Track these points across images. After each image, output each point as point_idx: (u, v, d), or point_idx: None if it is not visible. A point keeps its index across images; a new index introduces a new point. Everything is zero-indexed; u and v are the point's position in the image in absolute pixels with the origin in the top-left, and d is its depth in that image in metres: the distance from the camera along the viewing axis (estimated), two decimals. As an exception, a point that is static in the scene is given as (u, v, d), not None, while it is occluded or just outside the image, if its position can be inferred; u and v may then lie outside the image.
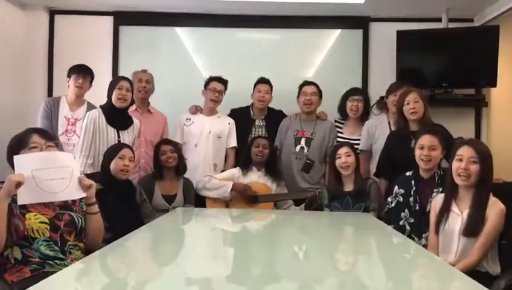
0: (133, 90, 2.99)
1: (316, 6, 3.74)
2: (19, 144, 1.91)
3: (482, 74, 3.62)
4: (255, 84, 3.47)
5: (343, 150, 2.81)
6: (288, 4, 3.70)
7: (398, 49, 3.75)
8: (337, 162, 2.80)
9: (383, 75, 3.54)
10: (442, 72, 3.74)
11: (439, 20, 3.79)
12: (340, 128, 3.43)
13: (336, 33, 4.06)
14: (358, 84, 3.91)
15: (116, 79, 3.01)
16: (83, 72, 3.22)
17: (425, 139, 2.43)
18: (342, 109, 3.43)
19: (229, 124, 3.40)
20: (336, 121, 3.51)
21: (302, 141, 3.31)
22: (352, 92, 3.39)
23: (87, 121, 2.88)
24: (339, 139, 3.33)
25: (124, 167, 2.49)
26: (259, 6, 3.79)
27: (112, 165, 2.49)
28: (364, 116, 3.39)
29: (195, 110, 3.44)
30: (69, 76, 3.24)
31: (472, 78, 3.70)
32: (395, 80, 3.59)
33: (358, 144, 3.19)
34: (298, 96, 3.38)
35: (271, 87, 3.45)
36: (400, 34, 3.75)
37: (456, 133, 2.95)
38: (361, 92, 3.44)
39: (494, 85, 3.55)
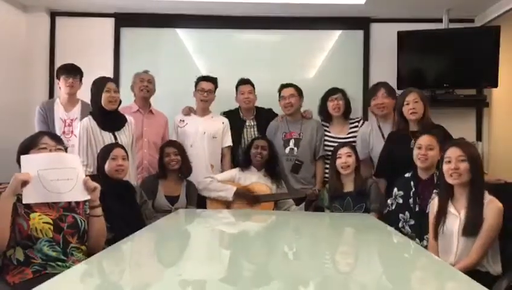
0: (119, 89, 2.93)
1: (316, 7, 3.74)
2: (29, 145, 1.93)
3: (483, 74, 3.62)
4: (237, 86, 3.47)
5: (343, 150, 2.83)
6: (288, 5, 3.71)
7: (399, 49, 3.76)
8: (338, 162, 2.82)
9: (384, 76, 3.53)
10: (443, 73, 3.74)
11: (440, 20, 3.80)
12: (327, 126, 3.39)
13: (336, 34, 4.06)
14: (359, 85, 3.92)
15: (101, 81, 2.85)
16: (72, 73, 3.19)
17: (424, 139, 2.46)
18: (323, 110, 3.36)
19: (223, 123, 3.40)
20: (322, 119, 3.46)
21: (291, 143, 3.31)
22: (331, 92, 3.33)
23: (80, 131, 2.82)
24: (326, 138, 3.32)
25: (118, 167, 2.47)
26: (260, 8, 3.80)
27: (106, 167, 2.47)
28: (347, 114, 3.34)
29: (188, 111, 3.44)
30: (57, 77, 3.22)
31: (473, 79, 3.69)
32: (395, 81, 3.60)
33: (347, 143, 3.09)
34: (279, 100, 3.36)
35: (253, 86, 3.45)
36: (401, 34, 3.75)
37: (457, 134, 2.95)
38: (340, 90, 3.33)
39: (495, 85, 3.55)
